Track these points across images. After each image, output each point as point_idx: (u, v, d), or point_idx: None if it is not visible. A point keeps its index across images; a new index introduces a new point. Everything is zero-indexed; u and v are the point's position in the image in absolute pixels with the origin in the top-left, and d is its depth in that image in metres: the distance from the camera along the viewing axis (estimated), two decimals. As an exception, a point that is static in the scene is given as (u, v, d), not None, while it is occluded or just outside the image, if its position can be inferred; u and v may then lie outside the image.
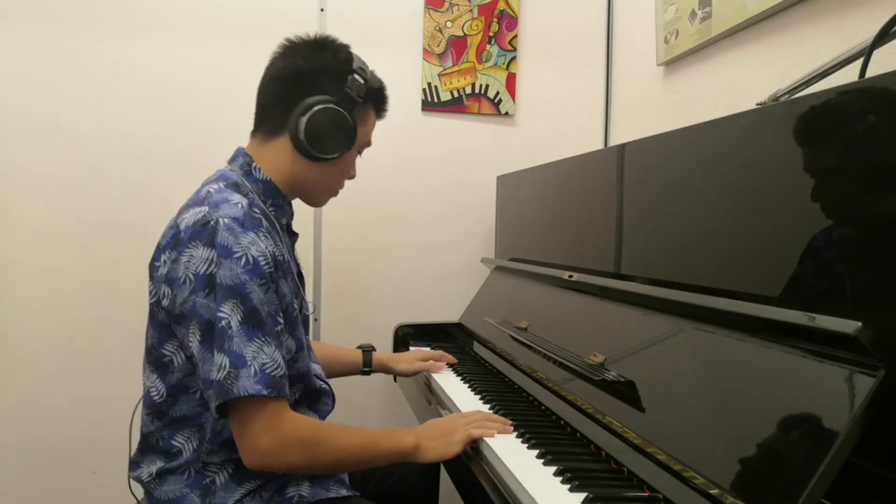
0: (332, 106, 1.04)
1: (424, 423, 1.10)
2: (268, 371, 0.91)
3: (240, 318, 0.91)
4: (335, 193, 1.18)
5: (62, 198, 1.90)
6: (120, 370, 1.88)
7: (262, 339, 0.92)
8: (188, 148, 1.95)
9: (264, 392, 0.89)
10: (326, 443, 0.98)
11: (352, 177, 1.17)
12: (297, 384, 1.08)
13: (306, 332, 1.13)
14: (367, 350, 1.51)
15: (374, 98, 1.13)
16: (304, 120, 1.03)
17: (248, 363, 0.90)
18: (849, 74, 0.92)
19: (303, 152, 1.05)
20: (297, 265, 1.15)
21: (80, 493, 1.94)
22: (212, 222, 0.93)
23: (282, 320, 0.98)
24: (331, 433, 0.99)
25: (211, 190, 0.99)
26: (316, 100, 1.03)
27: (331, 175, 1.12)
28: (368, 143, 1.17)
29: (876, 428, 0.65)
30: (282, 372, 0.93)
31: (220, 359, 0.89)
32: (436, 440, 1.04)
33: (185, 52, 1.96)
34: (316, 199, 1.16)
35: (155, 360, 1.00)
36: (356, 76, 1.07)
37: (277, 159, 1.07)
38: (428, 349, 1.66)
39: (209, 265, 0.92)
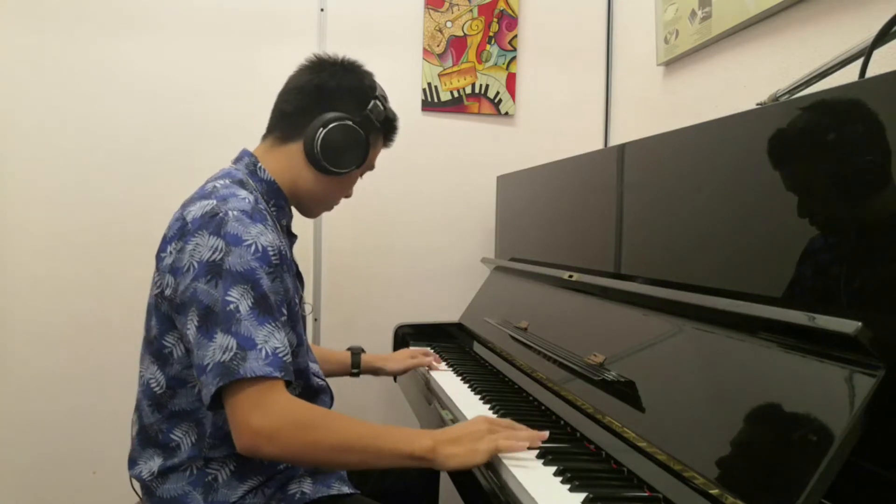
0: (351, 123, 1.08)
1: (442, 429, 1.00)
2: (280, 355, 0.91)
3: (250, 304, 0.91)
4: (330, 208, 1.22)
5: (60, 201, 1.90)
6: (120, 371, 1.87)
7: (273, 324, 0.92)
8: (191, 149, 1.95)
9: (276, 374, 0.89)
10: (324, 429, 0.91)
11: (348, 196, 1.22)
12: (296, 380, 1.07)
13: (304, 332, 1.14)
14: (357, 352, 1.51)
15: (387, 127, 1.18)
16: (322, 132, 1.07)
17: (259, 346, 0.89)
18: (849, 74, 0.92)
19: (313, 162, 1.09)
20: (296, 265, 1.16)
21: (80, 493, 1.94)
22: (220, 214, 0.94)
23: (286, 312, 0.99)
24: (330, 419, 0.94)
25: (217, 185, 1.02)
26: (337, 115, 1.08)
27: (332, 190, 1.16)
28: (372, 167, 1.21)
29: (876, 428, 0.65)
30: (290, 358, 0.93)
31: (226, 340, 0.88)
32: (458, 446, 0.93)
33: (186, 53, 1.96)
34: (312, 209, 1.20)
35: (155, 352, 1.01)
36: (377, 102, 1.11)
37: (285, 164, 1.11)
38: (426, 349, 1.66)
39: (214, 253, 0.92)
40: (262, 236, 0.95)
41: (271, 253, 0.96)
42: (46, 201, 1.90)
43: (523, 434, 0.97)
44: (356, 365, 1.50)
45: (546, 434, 0.98)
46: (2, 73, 1.86)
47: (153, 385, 1.01)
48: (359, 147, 1.10)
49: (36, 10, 1.87)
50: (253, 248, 0.94)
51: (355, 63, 1.14)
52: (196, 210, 0.97)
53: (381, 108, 1.12)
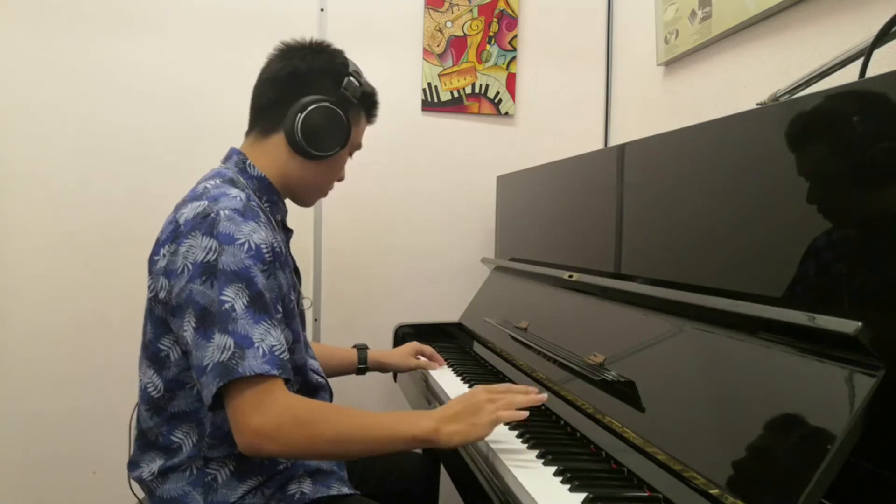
0: (328, 105, 1.07)
1: (442, 407, 0.99)
2: (276, 353, 0.91)
3: (245, 302, 0.91)
4: (324, 194, 1.20)
5: (60, 201, 1.90)
6: (119, 371, 1.87)
7: (269, 322, 0.92)
8: (191, 149, 1.95)
9: (274, 372, 0.89)
10: (325, 423, 0.92)
11: (341, 178, 1.20)
12: (294, 377, 1.07)
13: (303, 328, 1.14)
14: (362, 348, 1.51)
15: (367, 102, 1.16)
16: (300, 117, 1.06)
17: (256, 344, 0.89)
18: (849, 74, 0.92)
19: (297, 150, 1.08)
20: (293, 260, 1.16)
21: (80, 494, 1.94)
22: (212, 214, 0.94)
23: (280, 309, 0.99)
24: (330, 412, 0.94)
25: (208, 185, 1.01)
26: (313, 98, 1.06)
27: (322, 174, 1.14)
28: (359, 146, 1.19)
29: (876, 428, 0.65)
30: (287, 356, 0.93)
31: (224, 340, 0.88)
32: (459, 422, 0.93)
33: (186, 53, 1.96)
34: (306, 198, 1.18)
35: (152, 356, 1.00)
36: (352, 79, 1.10)
37: (271, 157, 1.09)
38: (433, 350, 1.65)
39: (208, 253, 0.92)
40: (255, 234, 0.95)
41: (265, 250, 0.95)
42: (46, 201, 1.89)
43: (521, 399, 0.98)
44: (363, 361, 1.49)
45: (545, 396, 0.99)
46: (2, 73, 1.85)
47: (150, 390, 1.01)
48: (340, 127, 1.08)
49: (36, 10, 1.87)
50: (246, 246, 0.93)
51: (323, 43, 1.13)
52: (188, 212, 0.96)
53: (357, 83, 1.10)
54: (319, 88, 1.08)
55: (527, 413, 0.97)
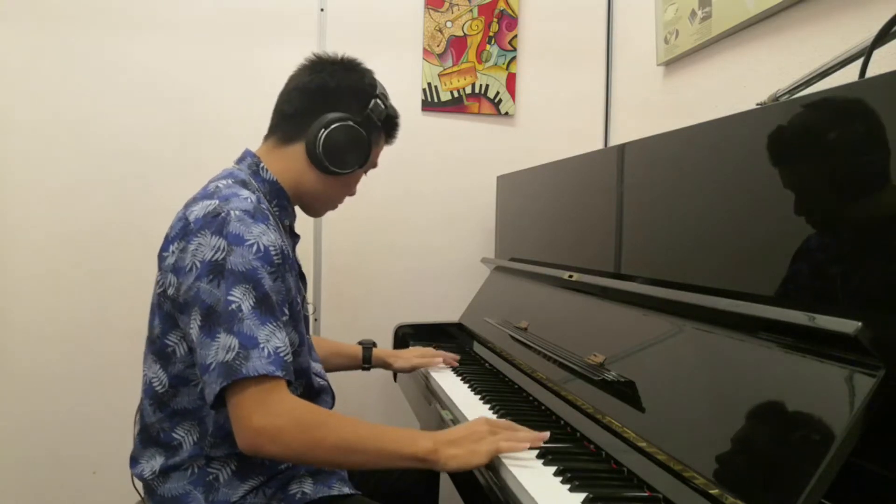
0: (352, 124, 1.09)
1: (443, 430, 0.99)
2: (281, 354, 0.91)
3: (252, 303, 0.91)
4: (334, 207, 1.23)
5: (60, 201, 1.90)
6: (120, 370, 1.88)
7: (275, 323, 0.93)
8: (190, 149, 1.95)
9: (278, 373, 0.89)
10: (326, 429, 0.91)
11: (352, 194, 1.22)
12: (297, 380, 1.08)
13: (307, 332, 1.14)
14: (368, 346, 1.53)
15: (389, 125, 1.18)
16: (324, 133, 1.07)
17: (261, 345, 0.89)
18: (849, 74, 0.92)
19: (316, 163, 1.09)
20: (299, 265, 1.16)
21: (80, 493, 1.94)
22: (223, 214, 0.95)
23: (287, 311, 1.00)
24: (332, 419, 0.94)
25: (220, 185, 1.02)
26: (338, 116, 1.08)
27: (335, 189, 1.16)
28: (375, 165, 1.22)
29: (876, 428, 0.65)
30: (291, 358, 0.94)
31: (229, 340, 0.89)
32: (458, 447, 0.93)
33: (186, 53, 1.96)
34: (316, 209, 1.20)
35: (158, 350, 1.01)
36: (378, 101, 1.12)
37: (287, 165, 1.11)
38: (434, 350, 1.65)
39: (216, 252, 0.93)
40: (264, 236, 0.95)
41: (273, 252, 0.96)
42: (46, 201, 1.89)
43: (523, 435, 0.97)
44: (367, 360, 1.52)
45: (547, 434, 0.98)
46: (2, 73, 1.86)
47: (155, 384, 1.01)
48: (361, 147, 1.10)
49: (36, 9, 1.87)
50: (255, 247, 0.94)
51: (355, 61, 1.14)
52: (198, 210, 0.97)
53: (382, 106, 1.13)
54: (346, 106, 1.09)
55: (527, 445, 0.96)
